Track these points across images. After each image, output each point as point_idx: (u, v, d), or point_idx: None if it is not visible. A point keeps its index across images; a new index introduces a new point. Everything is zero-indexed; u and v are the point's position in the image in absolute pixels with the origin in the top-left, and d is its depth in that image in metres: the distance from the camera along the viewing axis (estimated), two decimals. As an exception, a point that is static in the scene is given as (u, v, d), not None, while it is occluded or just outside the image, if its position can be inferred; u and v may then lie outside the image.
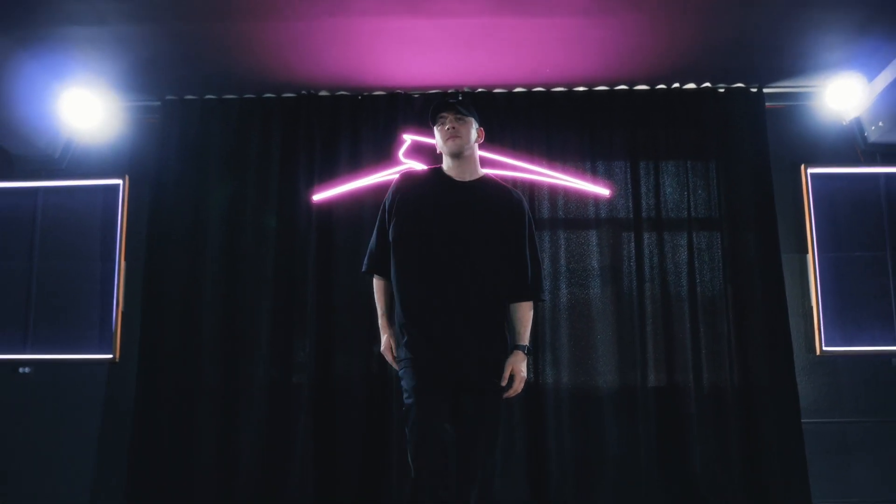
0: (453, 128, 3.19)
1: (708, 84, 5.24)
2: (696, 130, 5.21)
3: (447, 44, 4.68)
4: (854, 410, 5.05)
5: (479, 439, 3.08)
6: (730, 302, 5.00)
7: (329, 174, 5.18)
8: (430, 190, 3.24)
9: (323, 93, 5.30)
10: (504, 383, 3.07)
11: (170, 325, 5.06)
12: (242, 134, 5.30)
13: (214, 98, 5.36)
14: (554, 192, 5.14)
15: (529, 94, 5.26)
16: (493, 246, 3.14)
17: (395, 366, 3.18)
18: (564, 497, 4.79)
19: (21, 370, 5.20)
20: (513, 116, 5.23)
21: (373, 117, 5.24)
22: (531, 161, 5.12)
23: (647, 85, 5.25)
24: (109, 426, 5.13)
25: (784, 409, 4.84)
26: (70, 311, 5.27)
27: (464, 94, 5.24)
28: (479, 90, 5.26)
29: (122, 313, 5.25)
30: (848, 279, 5.15)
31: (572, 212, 5.15)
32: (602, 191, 5.11)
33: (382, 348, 3.21)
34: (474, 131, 3.26)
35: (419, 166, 4.80)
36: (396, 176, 3.39)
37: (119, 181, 5.39)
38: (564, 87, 5.26)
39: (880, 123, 5.03)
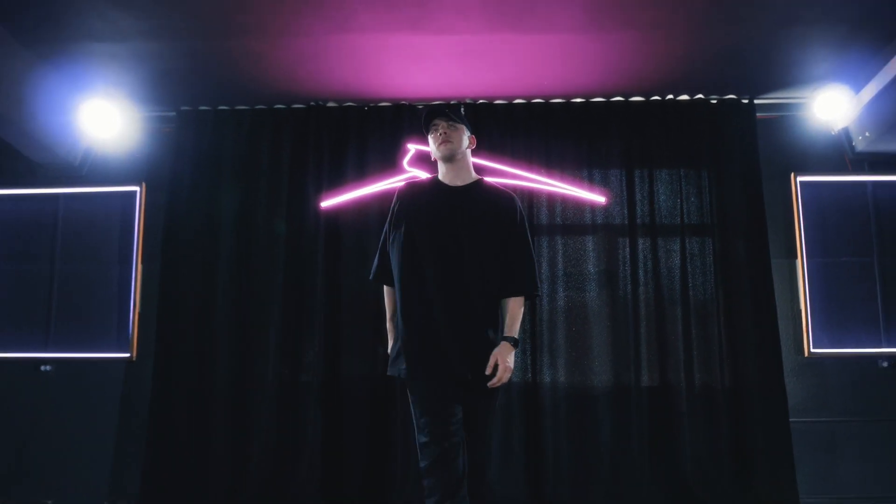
0: (445, 133, 3.32)
1: (701, 95, 5.43)
2: (689, 140, 5.39)
3: (449, 58, 4.89)
4: (841, 410, 5.22)
5: (470, 432, 3.20)
6: (721, 305, 5.17)
7: (337, 182, 5.38)
8: (425, 197, 3.36)
9: (331, 104, 5.52)
10: (488, 372, 3.11)
11: (184, 326, 5.26)
12: (254, 143, 5.51)
13: (227, 109, 5.57)
14: (552, 199, 5.34)
15: (529, 106, 5.46)
16: (482, 247, 3.23)
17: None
18: (560, 493, 4.96)
19: (42, 368, 5.40)
20: (513, 127, 5.43)
21: (379, 127, 5.44)
22: (530, 169, 5.32)
23: (642, 96, 5.44)
24: (126, 422, 5.33)
25: (773, 408, 5.01)
26: (89, 312, 5.47)
27: (465, 105, 5.44)
28: (481, 101, 5.46)
29: (139, 314, 5.44)
30: (836, 283, 5.33)
31: (570, 218, 5.34)
32: (598, 198, 5.30)
33: (390, 349, 3.35)
34: (465, 138, 3.39)
35: (423, 174, 5.01)
36: (401, 184, 3.53)
37: (136, 188, 5.59)
38: (563, 98, 5.46)
39: (867, 133, 5.21)
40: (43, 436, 5.34)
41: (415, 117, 5.42)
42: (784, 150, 5.50)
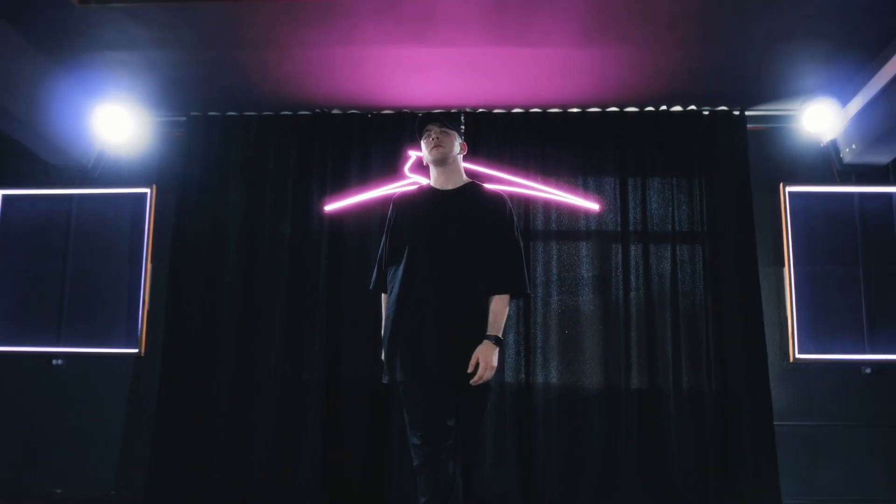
0: (437, 138, 3.39)
1: (693, 107, 5.60)
2: (681, 150, 5.56)
3: (450, 69, 5.07)
4: (825, 415, 5.37)
5: (461, 432, 3.24)
6: (709, 311, 5.33)
7: (340, 186, 5.56)
8: (416, 204, 3.45)
9: (336, 111, 5.70)
10: (469, 370, 3.12)
11: (191, 324, 5.44)
12: (261, 148, 5.69)
13: (236, 115, 5.76)
14: (548, 206, 5.51)
15: (527, 115, 5.64)
16: (471, 248, 3.27)
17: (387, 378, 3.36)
18: (551, 490, 5.13)
19: (54, 362, 5.59)
20: (511, 135, 5.60)
21: (381, 135, 5.62)
22: (527, 177, 5.49)
23: (636, 107, 5.61)
24: (133, 415, 5.51)
25: (758, 411, 5.16)
26: (100, 309, 5.68)
27: (465, 113, 5.62)
28: (480, 110, 5.64)
29: (148, 311, 5.63)
30: (822, 292, 5.49)
31: (564, 224, 5.51)
32: (592, 205, 5.47)
33: (384, 356, 3.36)
34: (457, 144, 3.46)
35: (424, 180, 5.17)
36: (397, 192, 3.63)
37: (147, 190, 5.79)
38: (559, 108, 5.63)
39: (854, 146, 5.36)
40: (53, 427, 5.53)
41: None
42: (774, 160, 5.66)
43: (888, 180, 5.61)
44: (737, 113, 5.58)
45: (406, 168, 5.51)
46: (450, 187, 3.45)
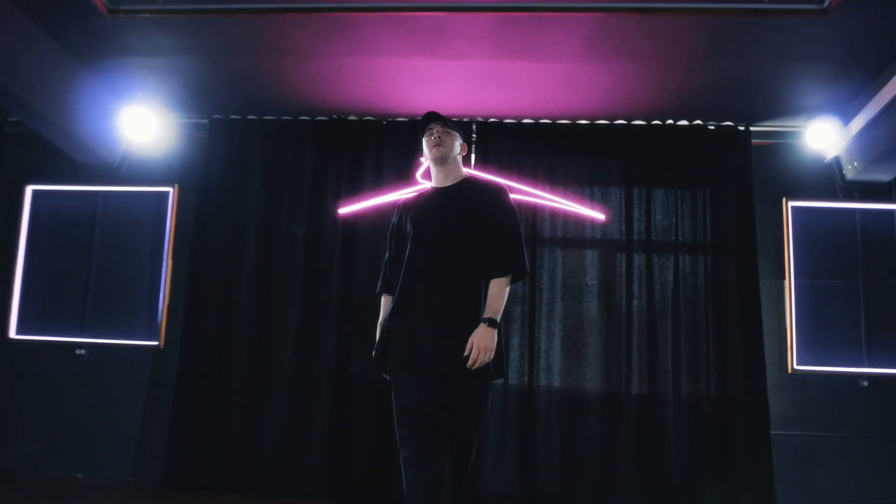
0: (439, 137, 3.43)
1: (699, 121, 5.74)
2: (686, 163, 5.69)
3: (461, 80, 5.25)
4: (821, 425, 5.48)
5: (454, 421, 3.20)
6: (710, 320, 5.46)
7: (354, 190, 5.74)
8: (418, 205, 3.48)
9: (352, 117, 5.90)
10: (465, 354, 3.07)
11: (209, 318, 5.65)
12: (279, 151, 5.90)
13: (256, 118, 5.97)
14: (554, 214, 5.66)
15: (536, 126, 5.80)
16: (466, 240, 3.28)
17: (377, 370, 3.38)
18: (550, 491, 5.29)
19: (78, 352, 5.83)
20: (520, 145, 5.76)
21: (395, 141, 5.80)
22: (535, 186, 5.65)
23: (643, 120, 5.76)
24: (151, 405, 5.72)
25: (755, 419, 5.29)
26: (122, 302, 5.91)
27: (476, 123, 5.80)
28: (491, 120, 5.81)
29: (168, 305, 5.85)
30: (822, 304, 5.61)
31: (570, 233, 5.67)
32: (598, 215, 5.62)
33: (374, 353, 3.38)
34: (458, 144, 3.50)
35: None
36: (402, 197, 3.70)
37: (169, 189, 6.01)
38: (568, 119, 5.79)
39: (856, 164, 5.48)
40: (75, 414, 5.75)
41: (429, 132, 5.76)
42: (777, 175, 5.78)
43: (890, 197, 5.71)
44: (742, 128, 5.71)
45: (418, 174, 5.68)
46: (448, 184, 3.48)
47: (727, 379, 5.39)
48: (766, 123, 5.75)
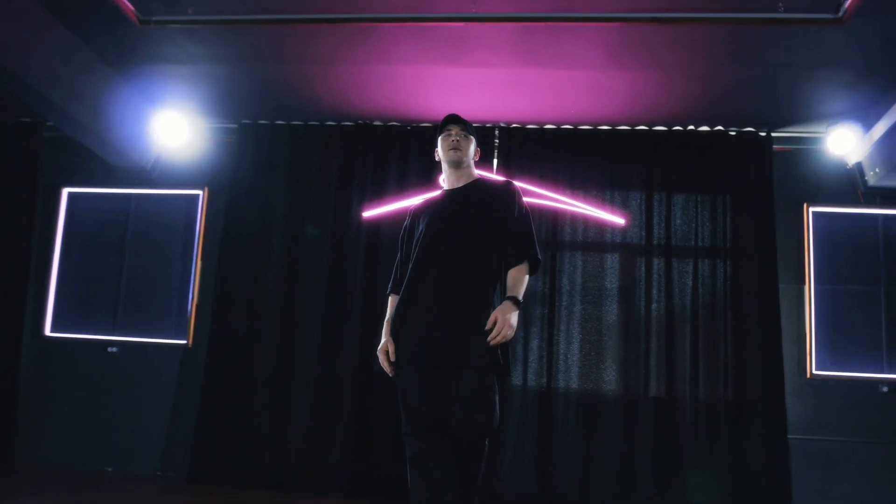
0: (457, 140, 3.45)
1: (720, 127, 5.77)
2: (707, 168, 5.73)
3: (482, 88, 5.35)
4: (840, 431, 5.48)
5: (461, 416, 3.11)
6: (729, 325, 5.50)
7: (378, 194, 5.86)
8: (428, 209, 3.51)
9: (377, 123, 6.02)
10: (488, 327, 3.09)
11: (236, 318, 5.80)
12: (306, 155, 6.04)
13: (283, 123, 6.12)
14: (575, 219, 5.73)
15: (557, 132, 5.88)
16: (476, 238, 3.30)
17: (385, 368, 3.34)
18: (567, 491, 5.37)
19: (109, 349, 6.02)
20: (542, 150, 5.85)
21: (419, 146, 5.91)
22: (556, 190, 5.73)
23: (664, 126, 5.81)
24: (180, 402, 5.87)
25: (772, 424, 5.32)
26: (152, 301, 6.09)
27: (499, 129, 5.89)
28: (514, 126, 5.90)
29: (197, 305, 6.01)
30: (842, 310, 5.62)
31: (591, 237, 5.73)
32: (618, 220, 5.69)
33: (378, 349, 3.37)
34: (472, 149, 3.53)
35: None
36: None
37: (199, 192, 6.18)
38: (590, 125, 5.86)
39: (877, 170, 5.48)
40: (106, 410, 5.93)
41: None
42: (798, 181, 5.80)
43: (913, 203, 5.71)
44: (763, 134, 5.74)
45: (441, 178, 5.77)
46: (459, 185, 3.51)
47: (745, 383, 5.41)
48: (788, 129, 5.77)
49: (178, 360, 5.98)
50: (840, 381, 5.54)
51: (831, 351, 5.57)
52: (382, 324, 3.46)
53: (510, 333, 3.09)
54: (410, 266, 3.37)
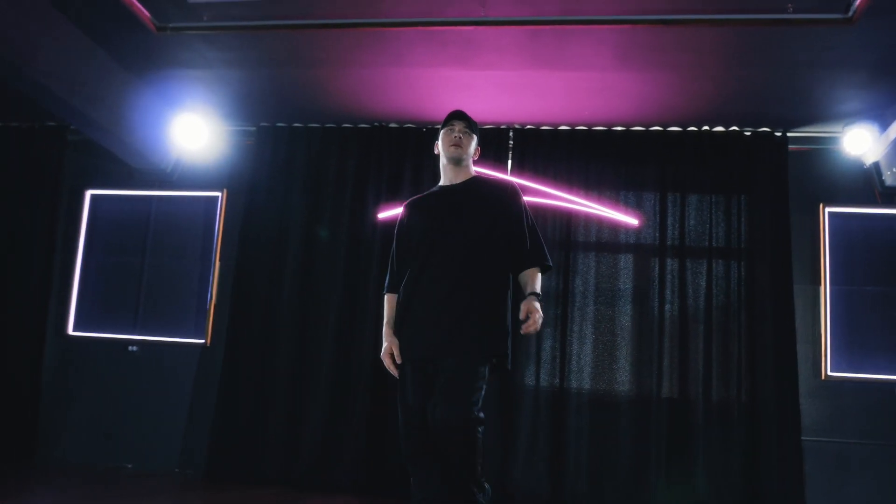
0: (459, 137, 3.42)
1: (735, 127, 5.75)
2: (721, 168, 5.72)
3: (494, 90, 5.39)
4: (854, 432, 5.44)
5: (438, 402, 3.07)
6: (743, 326, 5.48)
7: (393, 195, 5.89)
8: (426, 204, 3.50)
9: (392, 125, 6.08)
10: (521, 318, 3.15)
11: (253, 318, 5.88)
12: (323, 157, 6.11)
13: (301, 126, 6.20)
14: (589, 219, 5.75)
15: (572, 133, 5.90)
16: (475, 237, 3.29)
17: (392, 371, 3.32)
18: (579, 491, 5.39)
19: (130, 348, 6.15)
20: (556, 152, 5.87)
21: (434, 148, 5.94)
22: (570, 191, 5.75)
23: (679, 127, 5.80)
24: (197, 400, 5.99)
25: (786, 425, 5.29)
26: (172, 301, 6.21)
27: (513, 130, 5.92)
28: (528, 127, 5.93)
29: (215, 305, 6.11)
30: (858, 311, 5.59)
31: (605, 238, 5.75)
32: (632, 220, 5.70)
33: (382, 353, 3.34)
34: (473, 147, 3.50)
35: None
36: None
37: (218, 193, 6.29)
38: (604, 126, 5.87)
39: (894, 170, 5.44)
40: (126, 408, 6.06)
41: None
42: (814, 181, 5.77)
43: (931, 204, 5.66)
44: (779, 134, 5.71)
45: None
46: (457, 182, 3.47)
47: (759, 384, 5.40)
48: (804, 129, 5.74)
49: (197, 359, 6.09)
50: (855, 382, 5.50)
51: (846, 352, 5.54)
52: (382, 325, 3.45)
53: (539, 323, 3.16)
54: (410, 265, 3.37)
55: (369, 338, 5.71)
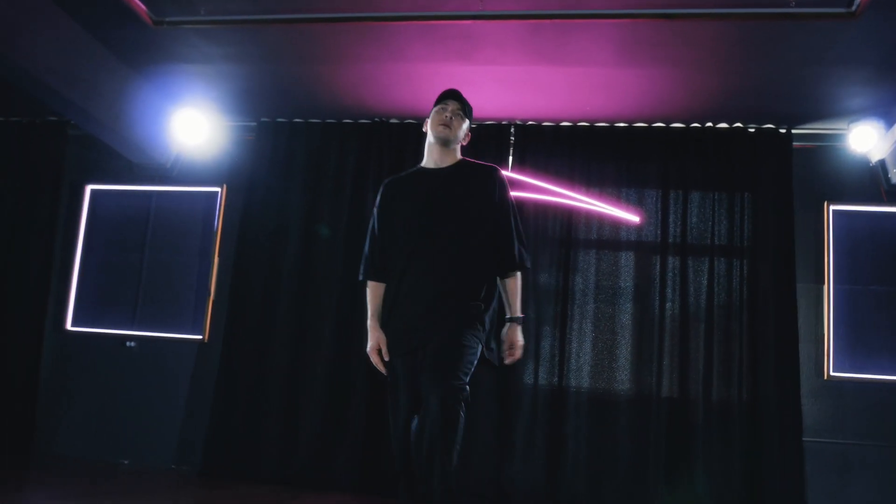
0: (450, 118, 3.29)
1: (739, 124, 5.69)
2: (725, 165, 5.65)
3: (495, 85, 5.34)
4: (857, 433, 5.38)
5: (437, 360, 3.04)
6: (744, 325, 5.42)
7: (393, 191, 5.87)
8: (409, 187, 3.37)
9: (393, 120, 6.04)
10: (506, 349, 3.21)
11: (251, 314, 5.85)
12: (323, 153, 6.07)
13: (301, 121, 6.16)
14: (589, 216, 5.69)
15: (573, 129, 5.84)
16: (465, 224, 3.21)
17: (380, 368, 3.25)
18: (577, 491, 5.33)
19: (128, 344, 6.13)
20: (557, 148, 5.81)
21: (434, 143, 5.91)
22: (571, 188, 5.70)
23: (682, 123, 5.74)
24: (195, 396, 5.97)
25: (788, 426, 5.22)
26: (170, 297, 6.18)
27: (514, 125, 5.87)
28: (529, 123, 5.88)
29: (213, 301, 6.09)
30: (862, 310, 5.51)
31: (606, 235, 5.69)
32: (633, 217, 5.64)
33: (368, 348, 3.26)
34: (464, 130, 3.38)
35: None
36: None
37: (218, 189, 6.26)
38: (606, 122, 5.82)
39: (899, 168, 5.39)
40: (123, 403, 6.04)
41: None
42: (819, 178, 5.70)
43: (938, 202, 5.58)
44: (783, 131, 5.64)
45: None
46: (444, 165, 3.36)
47: (760, 384, 5.33)
48: (808, 126, 5.67)
49: (194, 355, 6.07)
50: (858, 383, 5.43)
51: (850, 352, 5.47)
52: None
53: (521, 353, 3.27)
54: (394, 254, 3.26)
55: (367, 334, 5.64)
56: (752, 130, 5.69)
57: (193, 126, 5.99)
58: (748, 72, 5.04)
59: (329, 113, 6.07)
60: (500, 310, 3.45)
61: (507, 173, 5.51)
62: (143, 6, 4.60)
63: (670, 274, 5.58)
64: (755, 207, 5.59)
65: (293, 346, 5.78)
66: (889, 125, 5.31)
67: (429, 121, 3.40)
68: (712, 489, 5.23)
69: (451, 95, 3.39)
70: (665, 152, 5.73)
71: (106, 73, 5.35)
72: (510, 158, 5.87)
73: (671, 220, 5.65)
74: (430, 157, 3.40)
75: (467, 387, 3.04)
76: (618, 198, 5.72)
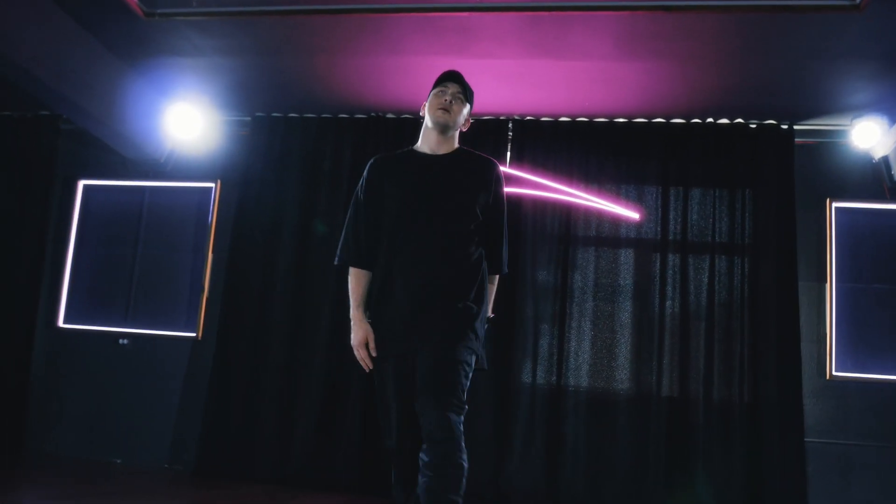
0: (449, 101, 3.07)
1: (741, 120, 5.61)
2: (725, 162, 5.59)
3: (492, 79, 5.25)
4: (859, 434, 5.31)
5: (436, 375, 2.85)
6: (745, 323, 5.36)
7: (390, 187, 5.80)
8: (402, 171, 3.13)
9: (389, 115, 5.96)
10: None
11: (246, 312, 5.78)
12: (319, 147, 5.99)
13: (297, 116, 6.08)
14: (589, 213, 5.62)
15: (572, 124, 5.77)
16: (461, 215, 3.03)
17: (366, 364, 3.01)
18: (576, 491, 5.28)
19: (121, 341, 6.06)
20: (556, 143, 5.74)
21: (431, 138, 5.84)
22: (570, 184, 5.62)
23: (683, 119, 5.66)
24: (188, 394, 5.90)
25: (789, 426, 5.16)
26: (164, 293, 6.12)
27: (513, 121, 5.80)
28: (528, 118, 5.80)
29: (207, 298, 6.02)
30: (864, 309, 5.45)
31: (605, 232, 5.62)
32: (632, 214, 5.57)
33: (354, 343, 3.03)
34: (464, 115, 3.17)
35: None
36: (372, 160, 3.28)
37: (212, 184, 6.19)
38: (606, 118, 5.74)
39: (903, 164, 5.31)
40: (116, 402, 5.97)
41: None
42: (821, 175, 5.62)
43: (941, 199, 5.50)
44: (785, 127, 5.57)
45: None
46: (441, 152, 3.12)
47: (761, 384, 5.27)
48: (811, 122, 5.60)
49: (188, 353, 6.00)
50: (860, 382, 5.37)
51: (852, 352, 5.40)
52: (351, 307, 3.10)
53: None
54: (385, 242, 3.03)
55: (363, 332, 5.58)
56: (754, 126, 5.62)
57: (187, 120, 5.91)
58: (750, 66, 4.96)
59: (324, 107, 6.00)
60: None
61: (505, 169, 5.47)
62: (133, -3, 4.53)
63: (670, 272, 5.51)
64: (756, 204, 5.52)
65: (288, 343, 5.71)
66: (893, 121, 5.23)
67: (426, 104, 3.16)
68: (713, 490, 5.16)
69: (452, 77, 3.15)
70: (665, 148, 5.66)
71: (98, 66, 5.27)
72: (508, 154, 5.80)
73: (671, 216, 5.58)
74: (426, 142, 3.16)
75: (465, 405, 2.89)
76: (617, 194, 5.64)
